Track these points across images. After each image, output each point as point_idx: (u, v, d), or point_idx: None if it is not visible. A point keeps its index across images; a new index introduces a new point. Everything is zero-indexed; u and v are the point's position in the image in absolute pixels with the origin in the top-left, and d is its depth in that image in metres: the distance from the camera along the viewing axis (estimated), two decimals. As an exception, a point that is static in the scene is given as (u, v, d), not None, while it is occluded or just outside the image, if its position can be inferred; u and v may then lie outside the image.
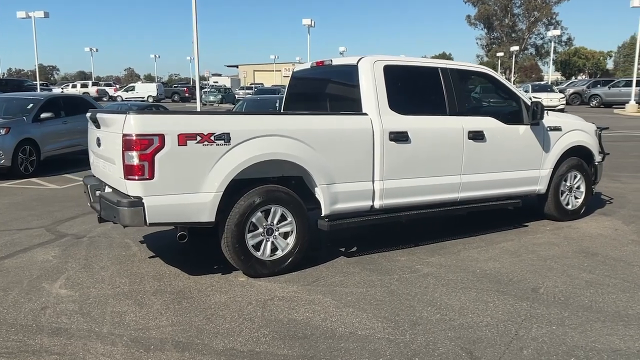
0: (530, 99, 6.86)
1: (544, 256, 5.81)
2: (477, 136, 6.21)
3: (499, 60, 72.80)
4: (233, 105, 42.57)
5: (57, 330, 4.07)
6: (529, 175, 6.80)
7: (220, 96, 44.31)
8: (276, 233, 5.23)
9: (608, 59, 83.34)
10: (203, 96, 45.82)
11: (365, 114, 5.59)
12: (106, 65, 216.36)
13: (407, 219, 6.00)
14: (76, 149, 13.49)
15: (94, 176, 6.11)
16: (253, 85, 54.49)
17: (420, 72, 6.16)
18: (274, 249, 5.24)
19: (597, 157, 7.59)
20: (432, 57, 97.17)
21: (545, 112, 6.79)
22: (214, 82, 53.15)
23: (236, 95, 46.30)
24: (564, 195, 7.24)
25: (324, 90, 6.65)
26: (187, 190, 4.75)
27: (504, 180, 6.56)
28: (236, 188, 5.01)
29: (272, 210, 5.17)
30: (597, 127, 7.74)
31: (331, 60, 6.28)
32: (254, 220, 5.09)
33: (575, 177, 7.31)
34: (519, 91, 6.83)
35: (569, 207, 7.32)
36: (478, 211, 6.69)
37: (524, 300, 4.59)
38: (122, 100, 41.66)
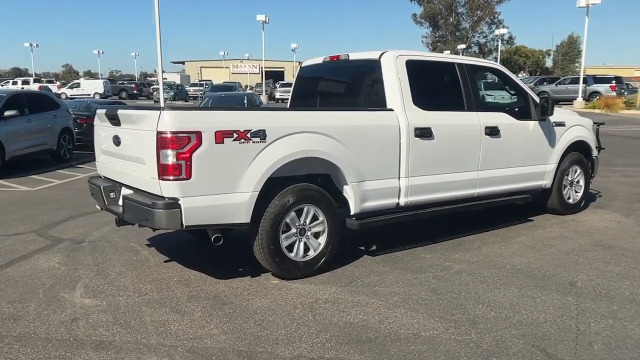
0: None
1: (564, 250, 5.89)
2: (493, 132, 6.22)
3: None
4: (186, 102, 41.69)
5: (101, 344, 3.77)
6: (537, 170, 6.89)
7: (173, 93, 43.19)
8: (308, 233, 5.06)
9: (547, 57, 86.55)
10: (155, 93, 44.65)
11: (391, 110, 5.48)
12: (42, 62, 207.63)
13: (430, 216, 5.95)
14: (41, 148, 12.83)
15: (101, 177, 5.75)
16: (203, 82, 53.40)
17: (439, 67, 6.12)
18: (306, 250, 5.07)
19: (595, 152, 7.78)
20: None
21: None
22: (163, 78, 51.66)
23: (188, 92, 45.36)
24: (566, 189, 7.38)
25: (339, 86, 6.50)
26: (224, 191, 4.51)
27: (516, 176, 6.61)
28: (268, 187, 4.80)
29: (305, 209, 5.00)
30: (595, 123, 7.93)
31: (347, 55, 6.12)
32: (287, 220, 4.90)
33: (576, 171, 7.47)
34: (527, 87, 6.90)
35: (570, 201, 7.47)
36: (492, 207, 6.71)
37: (568, 295, 4.61)
38: (67, 98, 39.86)
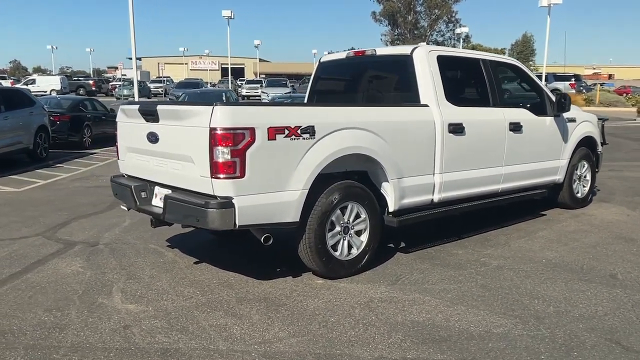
0: None
1: (589, 243, 5.98)
2: (516, 127, 6.26)
3: (406, 56, 74.76)
4: (148, 99, 40.59)
5: (167, 351, 3.58)
6: (552, 165, 6.99)
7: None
8: (351, 231, 4.96)
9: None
10: (117, 89, 43.45)
11: (426, 106, 5.44)
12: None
13: (460, 212, 5.94)
14: (18, 147, 12.28)
15: (124, 176, 5.50)
16: (164, 79, 52.27)
17: (466, 62, 6.12)
18: (349, 248, 4.97)
19: (599, 147, 7.95)
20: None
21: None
22: (122, 74, 50.26)
23: (151, 89, 44.30)
24: (575, 184, 7.52)
25: (365, 82, 6.39)
26: (275, 189, 4.36)
27: (535, 171, 6.69)
28: (314, 185, 4.67)
29: (349, 207, 4.90)
30: (600, 119, 8.11)
31: (374, 50, 6.04)
32: (333, 218, 4.79)
33: (584, 166, 7.62)
34: (543, 83, 6.98)
35: (579, 195, 7.62)
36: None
37: (614, 288, 4.68)
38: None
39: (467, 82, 6.10)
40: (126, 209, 5.38)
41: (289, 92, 33.30)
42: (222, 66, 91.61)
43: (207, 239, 6.25)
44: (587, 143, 7.59)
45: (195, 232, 6.41)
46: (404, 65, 5.63)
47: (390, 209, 5.23)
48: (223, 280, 4.90)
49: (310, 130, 4.48)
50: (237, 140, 4.10)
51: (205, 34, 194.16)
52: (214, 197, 4.22)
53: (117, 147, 5.52)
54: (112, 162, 13.36)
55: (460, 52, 6.17)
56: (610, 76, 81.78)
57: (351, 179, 5.09)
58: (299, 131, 4.42)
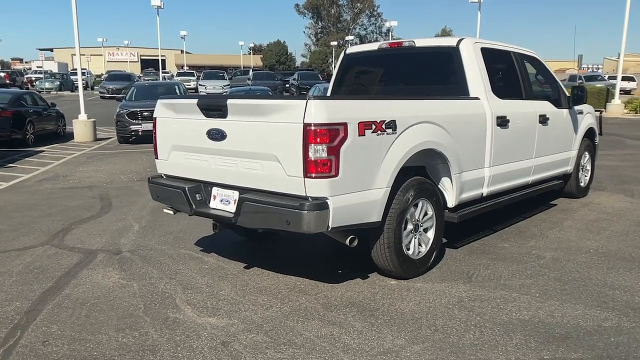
0: None
1: (619, 231, 6.16)
2: (544, 120, 6.34)
3: (333, 49, 75.05)
4: (72, 92, 38.31)
5: (290, 369, 3.28)
6: (567, 156, 7.16)
7: (58, 82, 39.50)
8: (421, 229, 4.81)
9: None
10: (37, 83, 40.63)
11: (478, 99, 5.37)
12: None
13: (503, 204, 5.93)
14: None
15: (163, 176, 5.05)
16: (85, 71, 49.51)
17: (502, 55, 6.09)
18: (419, 246, 4.82)
19: (597, 138, 8.24)
20: (267, 45, 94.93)
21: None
22: (37, 67, 46.72)
23: (73, 81, 41.80)
24: (580, 173, 7.75)
25: (401, 74, 6.21)
26: (362, 188, 4.13)
27: (555, 162, 6.82)
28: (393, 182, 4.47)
29: (420, 204, 4.74)
30: (596, 110, 8.40)
31: (413, 42, 5.89)
32: (408, 216, 4.61)
33: (586, 156, 7.86)
34: (557, 76, 7.12)
35: (582, 184, 7.86)
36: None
37: (677, 275, 4.83)
38: None
39: (505, 74, 6.08)
40: (172, 212, 4.93)
41: (228, 85, 32.52)
42: (142, 58, 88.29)
43: (238, 241, 5.91)
44: (588, 134, 7.83)
45: (222, 233, 6.00)
46: (449, 57, 5.52)
47: (450, 204, 5.12)
48: (290, 286, 4.60)
49: (392, 125, 4.27)
50: (333, 137, 3.83)
51: (120, 24, 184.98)
52: (306, 198, 3.92)
53: (155, 145, 5.04)
54: (69, 160, 12.42)
55: (496, 44, 6.13)
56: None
57: (410, 175, 4.92)
58: (383, 126, 4.20)
